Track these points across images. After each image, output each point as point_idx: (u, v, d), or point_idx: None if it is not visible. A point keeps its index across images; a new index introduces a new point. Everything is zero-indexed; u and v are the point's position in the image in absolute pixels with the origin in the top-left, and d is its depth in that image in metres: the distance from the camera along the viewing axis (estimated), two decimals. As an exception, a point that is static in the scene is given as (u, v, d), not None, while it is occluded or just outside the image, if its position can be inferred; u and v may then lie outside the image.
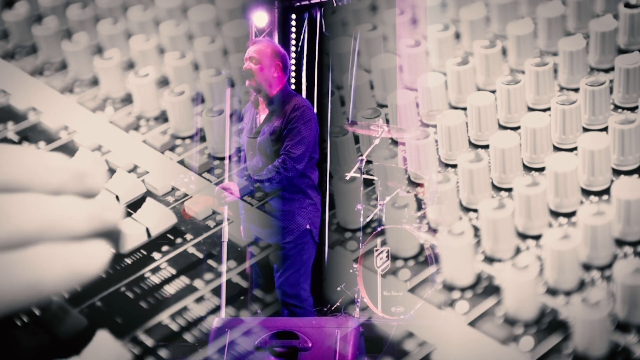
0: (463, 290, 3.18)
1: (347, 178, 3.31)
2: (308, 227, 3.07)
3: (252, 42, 3.09)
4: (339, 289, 3.25)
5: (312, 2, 3.38)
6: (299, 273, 3.09)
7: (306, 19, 3.39)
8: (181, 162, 3.90)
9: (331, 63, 3.53)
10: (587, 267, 3.13)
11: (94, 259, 1.16)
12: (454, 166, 3.55)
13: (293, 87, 3.37)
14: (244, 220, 3.14)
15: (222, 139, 3.84)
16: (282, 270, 3.09)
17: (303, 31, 3.39)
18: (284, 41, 3.39)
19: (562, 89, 3.82)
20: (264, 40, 3.08)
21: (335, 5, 3.41)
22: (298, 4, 3.39)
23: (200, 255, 3.49)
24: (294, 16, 3.40)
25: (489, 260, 3.25)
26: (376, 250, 3.22)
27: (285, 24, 3.41)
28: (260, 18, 3.36)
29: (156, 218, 3.57)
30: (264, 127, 3.05)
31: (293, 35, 3.40)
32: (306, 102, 3.06)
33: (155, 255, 3.52)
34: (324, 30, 3.40)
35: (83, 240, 1.15)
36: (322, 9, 3.39)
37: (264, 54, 3.02)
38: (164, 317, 3.27)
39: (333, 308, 3.25)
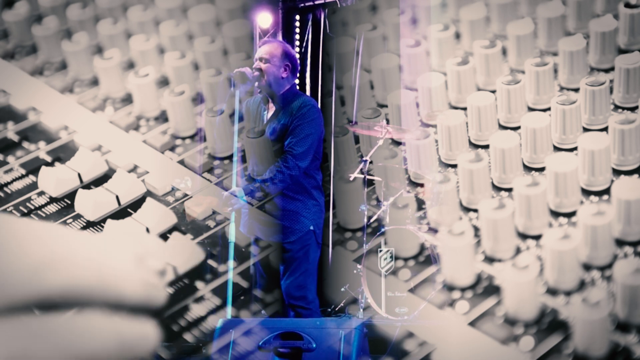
0: (463, 290, 3.18)
1: (351, 179, 3.31)
2: (312, 228, 3.08)
3: (263, 41, 3.10)
4: (343, 289, 3.25)
5: (315, 3, 3.38)
6: (306, 275, 3.09)
7: (310, 20, 3.39)
8: (181, 162, 3.90)
9: (332, 63, 3.53)
10: (587, 267, 3.13)
11: (145, 339, 1.13)
12: (454, 166, 3.55)
13: (296, 87, 3.37)
14: (247, 216, 3.13)
15: (222, 139, 3.84)
16: (289, 273, 3.09)
17: (307, 32, 3.39)
18: (288, 42, 3.39)
19: (562, 89, 3.82)
20: (275, 41, 3.09)
21: (339, 6, 3.41)
22: (302, 5, 3.39)
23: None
24: (297, 17, 3.40)
25: (489, 260, 3.25)
26: (380, 251, 3.21)
27: (289, 25, 3.41)
28: (264, 19, 3.36)
29: (156, 218, 3.57)
30: (268, 125, 3.06)
31: (297, 37, 3.40)
32: (313, 101, 3.07)
33: (156, 255, 3.51)
34: (327, 31, 3.40)
35: (129, 307, 1.12)
36: (326, 10, 3.39)
37: (274, 54, 3.03)
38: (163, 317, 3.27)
39: (337, 309, 3.25)
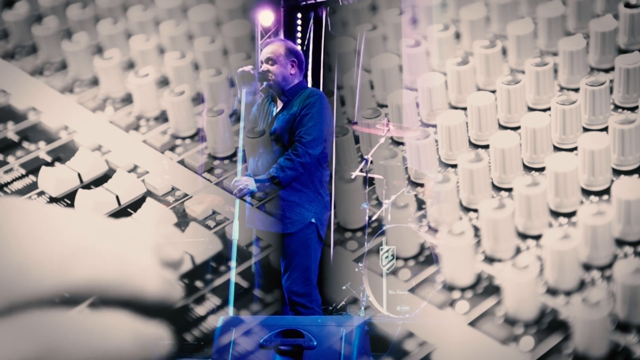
0: (463, 290, 3.18)
1: (353, 177, 3.31)
2: (313, 221, 3.05)
3: (265, 43, 3.10)
4: (344, 287, 3.25)
5: (318, 1, 3.37)
6: (310, 270, 3.07)
7: (312, 18, 3.38)
8: (181, 162, 3.90)
9: (332, 63, 3.53)
10: (587, 267, 3.13)
11: (160, 343, 1.14)
12: (454, 166, 3.55)
13: (305, 82, 3.36)
14: (248, 208, 3.11)
15: (223, 139, 3.84)
16: (291, 269, 3.07)
17: (309, 30, 3.39)
18: (290, 40, 3.39)
19: (562, 89, 3.82)
20: (277, 40, 3.09)
21: (341, 4, 3.41)
22: (304, 3, 3.38)
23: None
24: (299, 15, 3.40)
25: (489, 260, 3.25)
26: (381, 250, 3.21)
27: (291, 23, 3.40)
28: (266, 17, 3.35)
29: (156, 218, 3.57)
30: (278, 118, 3.05)
31: (299, 35, 3.40)
32: (321, 92, 3.07)
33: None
34: (329, 29, 3.39)
35: (147, 302, 1.14)
36: (328, 8, 3.39)
37: (279, 53, 3.03)
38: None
39: (338, 307, 3.25)
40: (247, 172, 3.20)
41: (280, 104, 3.07)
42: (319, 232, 3.08)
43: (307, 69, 3.41)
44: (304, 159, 2.96)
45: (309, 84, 3.40)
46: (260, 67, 3.04)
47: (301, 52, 3.09)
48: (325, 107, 3.02)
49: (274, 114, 3.06)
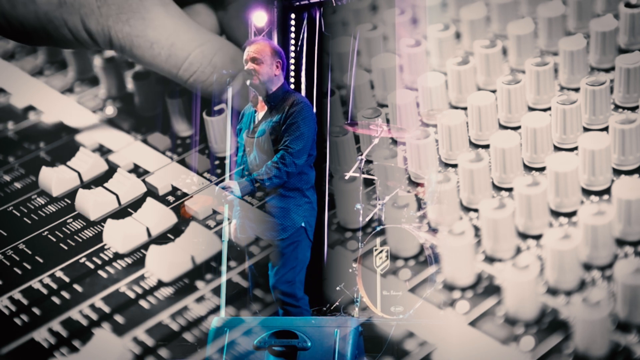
0: (463, 290, 3.18)
1: (346, 177, 3.31)
2: (303, 225, 3.07)
3: (249, 42, 3.09)
4: (338, 288, 3.24)
5: (311, 1, 3.37)
6: (295, 271, 3.08)
7: (305, 19, 3.38)
8: (181, 162, 3.91)
9: (331, 63, 3.53)
10: (587, 267, 3.13)
11: None
12: (455, 166, 3.55)
13: (292, 86, 3.37)
14: (239, 216, 3.13)
15: (222, 139, 3.84)
16: (278, 268, 3.08)
17: (302, 31, 3.39)
18: (283, 41, 3.39)
19: (562, 88, 3.82)
20: (261, 40, 3.08)
21: (334, 5, 3.40)
22: (297, 3, 3.38)
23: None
24: (293, 16, 3.40)
25: (490, 260, 3.25)
26: (375, 250, 3.21)
27: (284, 23, 3.40)
28: (260, 17, 3.35)
29: (156, 218, 3.57)
30: (262, 124, 3.06)
31: (292, 35, 3.40)
32: (305, 99, 3.07)
33: (156, 255, 3.51)
34: (323, 29, 3.39)
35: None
36: (322, 9, 3.39)
37: (265, 53, 3.03)
38: (164, 316, 3.27)
39: (332, 307, 3.25)
40: (245, 171, 3.19)
41: (260, 106, 3.07)
42: (307, 234, 3.09)
43: (300, 70, 3.41)
44: (290, 169, 2.99)
45: (303, 85, 3.40)
46: (245, 66, 3.04)
47: (284, 53, 3.10)
48: (310, 115, 3.03)
49: (256, 118, 3.07)
